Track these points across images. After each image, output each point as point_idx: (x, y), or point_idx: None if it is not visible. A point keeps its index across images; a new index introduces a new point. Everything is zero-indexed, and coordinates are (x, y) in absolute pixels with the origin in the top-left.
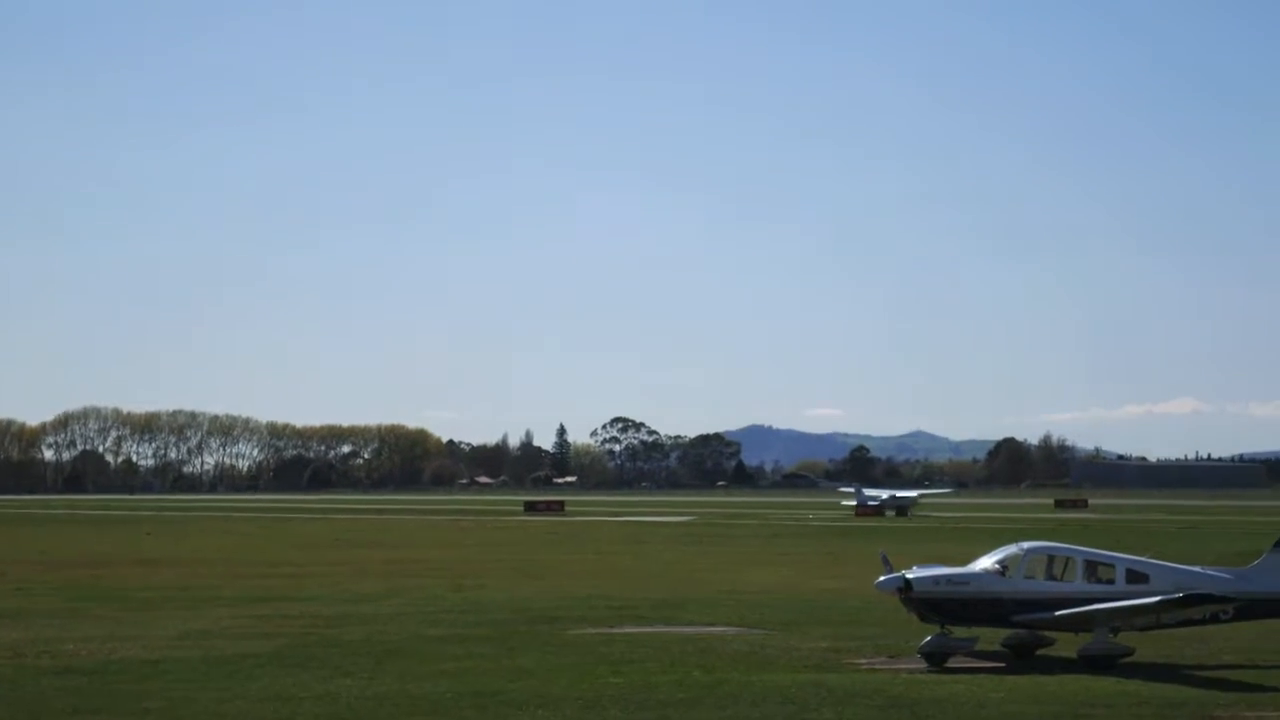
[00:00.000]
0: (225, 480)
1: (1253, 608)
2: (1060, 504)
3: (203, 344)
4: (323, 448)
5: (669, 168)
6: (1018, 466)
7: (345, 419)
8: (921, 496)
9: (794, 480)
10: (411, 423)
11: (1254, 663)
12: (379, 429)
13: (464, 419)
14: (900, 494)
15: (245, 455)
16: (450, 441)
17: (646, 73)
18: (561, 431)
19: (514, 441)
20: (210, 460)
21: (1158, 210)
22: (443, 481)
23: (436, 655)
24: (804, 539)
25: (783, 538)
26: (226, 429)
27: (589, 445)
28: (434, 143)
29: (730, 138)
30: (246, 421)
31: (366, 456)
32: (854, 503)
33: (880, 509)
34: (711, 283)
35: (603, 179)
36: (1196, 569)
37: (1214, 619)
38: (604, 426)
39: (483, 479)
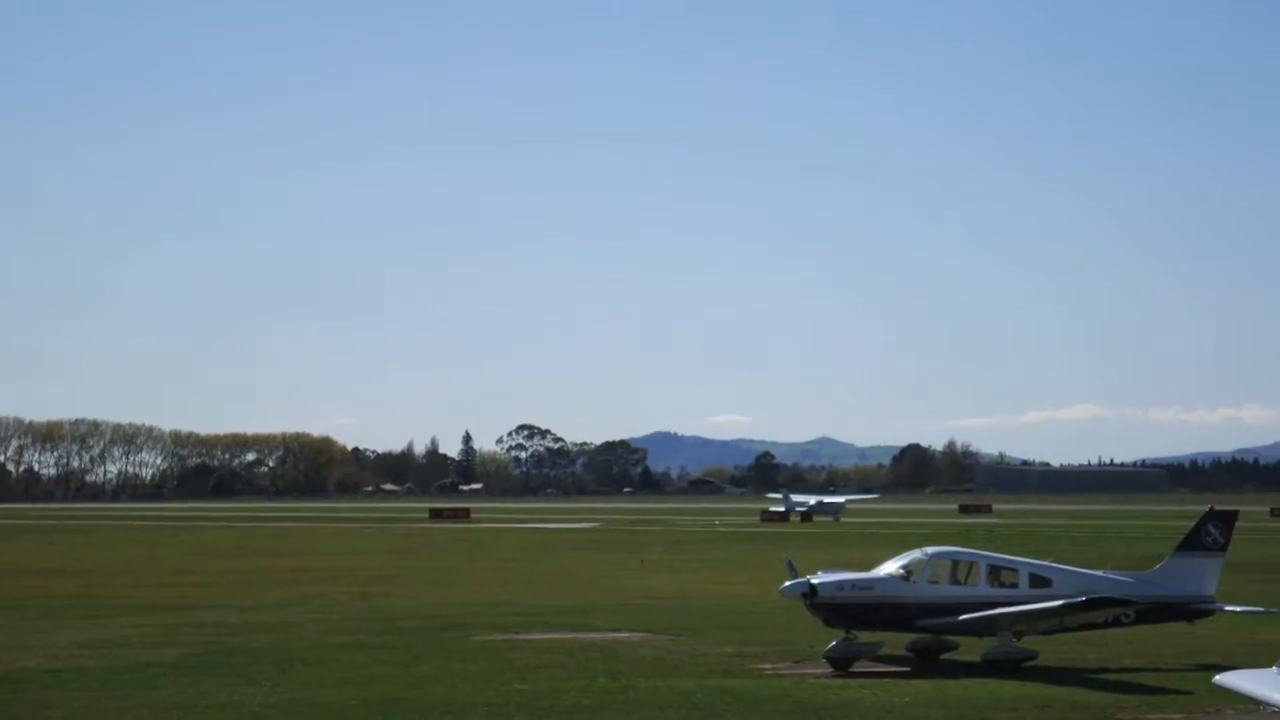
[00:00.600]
0: (128, 489)
1: (1154, 611)
2: (965, 509)
3: (105, 352)
4: (227, 456)
5: (574, 172)
6: (922, 472)
7: (250, 427)
8: (849, 502)
9: (700, 486)
10: (316, 430)
11: (1155, 665)
12: (284, 437)
13: (369, 426)
14: (828, 499)
15: (149, 464)
16: (355, 449)
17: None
18: (467, 439)
19: (419, 449)
20: (113, 469)
21: (1069, 213)
22: (348, 489)
23: (341, 663)
24: (710, 545)
25: (688, 544)
26: (129, 438)
27: (495, 452)
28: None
29: (637, 137)
30: (150, 430)
31: (271, 465)
32: (784, 508)
33: (809, 514)
34: (618, 290)
35: (510, 188)
36: (1099, 573)
37: (1116, 622)
38: (510, 434)
39: (388, 486)
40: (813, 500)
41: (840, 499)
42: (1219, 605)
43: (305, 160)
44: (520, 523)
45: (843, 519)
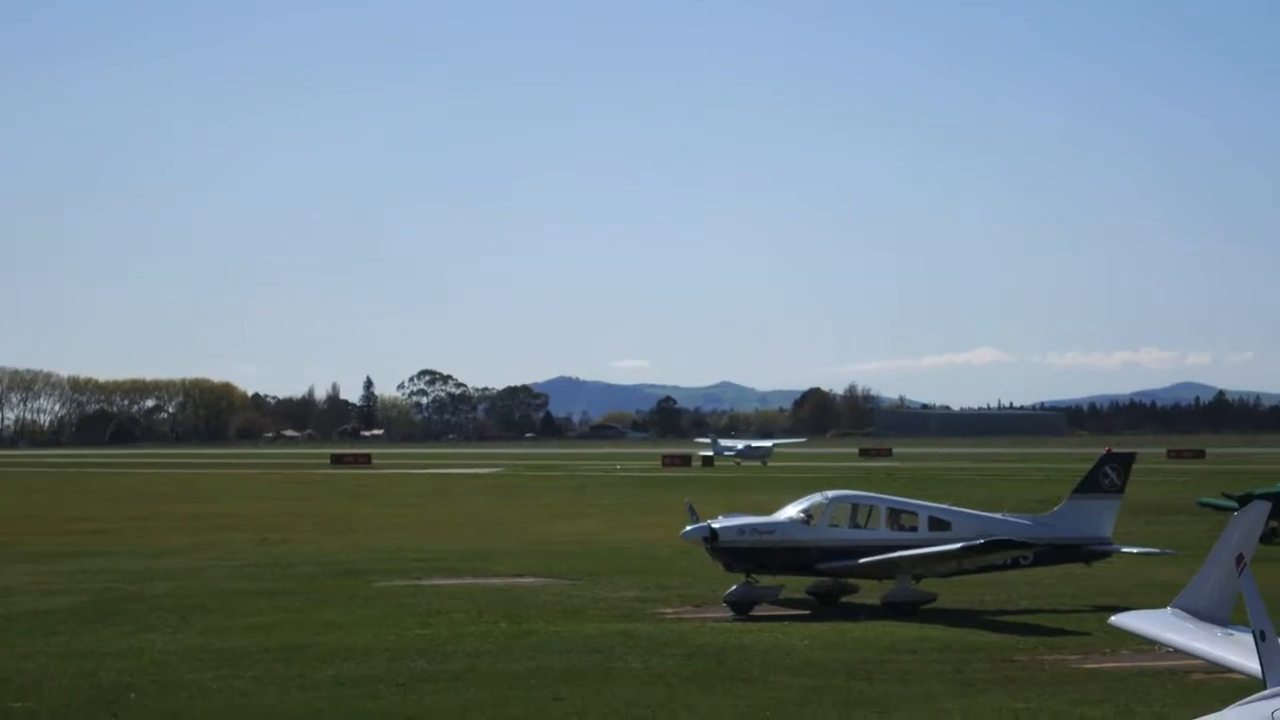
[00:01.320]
0: (26, 436)
1: (1052, 553)
2: (865, 453)
3: (2, 298)
4: (126, 402)
5: (473, 118)
6: (823, 416)
7: (149, 373)
8: (776, 445)
9: (602, 432)
10: (217, 376)
11: (1053, 607)
12: (184, 383)
13: (270, 373)
14: (756, 444)
15: (46, 410)
16: (256, 395)
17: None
18: (368, 384)
19: (320, 395)
20: (10, 415)
21: (964, 161)
22: (249, 435)
23: (242, 609)
24: (612, 490)
25: (589, 489)
26: (27, 383)
27: (396, 398)
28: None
29: (538, 81)
30: (47, 376)
31: (171, 411)
32: (712, 453)
33: (738, 458)
34: (521, 233)
35: (411, 137)
36: (997, 516)
37: (1014, 564)
38: (411, 379)
39: (289, 433)
40: (741, 445)
41: (768, 443)
42: (1116, 546)
43: (218, 107)
44: (422, 468)
45: (769, 463)
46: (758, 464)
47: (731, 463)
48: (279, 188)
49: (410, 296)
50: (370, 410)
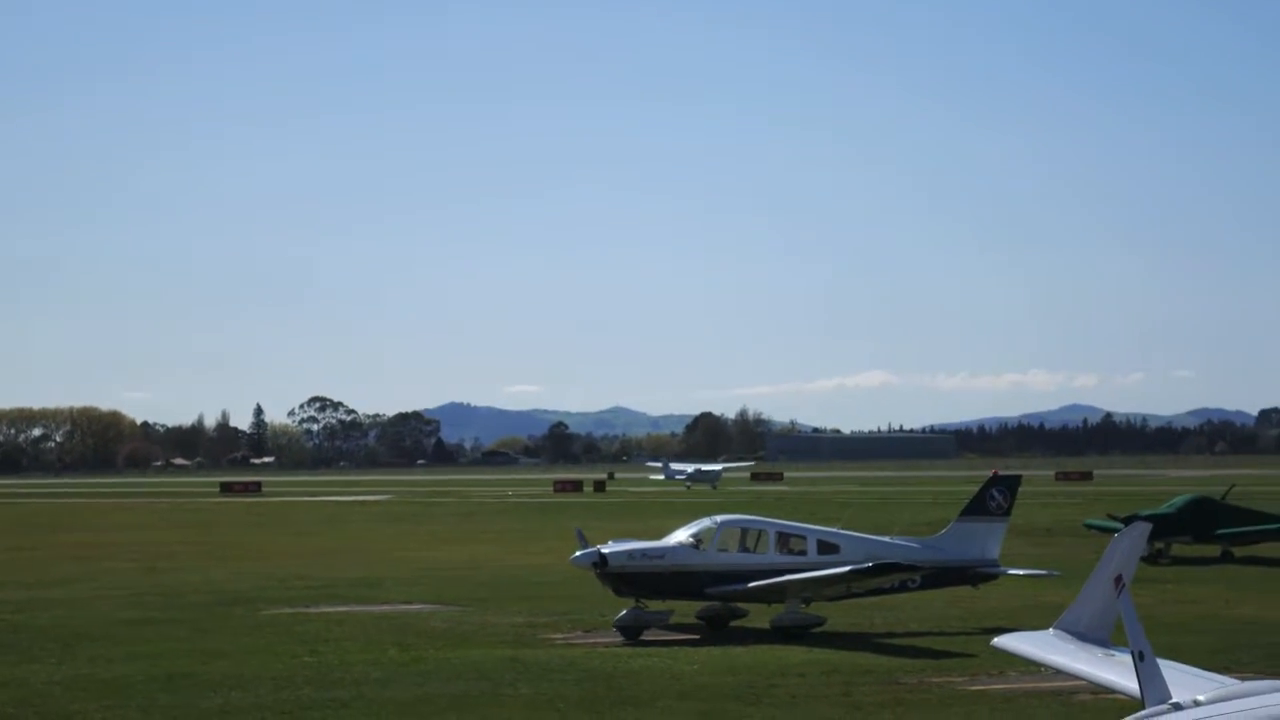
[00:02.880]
0: None
1: (939, 576)
2: (756, 477)
3: None
4: (12, 431)
5: (351, 146)
6: (715, 440)
7: (35, 401)
8: (724, 470)
9: (494, 458)
10: (105, 405)
11: (941, 629)
12: (71, 411)
13: (159, 401)
14: (705, 468)
15: None
16: (145, 423)
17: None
18: (258, 411)
19: (210, 422)
20: None
21: (854, 185)
22: (138, 464)
23: (128, 639)
24: (503, 517)
25: (481, 515)
26: None
27: (287, 425)
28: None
29: (419, 108)
30: None
31: (59, 439)
32: (663, 477)
33: (689, 481)
34: (411, 259)
35: (292, 163)
36: (885, 539)
37: (903, 587)
38: (301, 406)
39: (179, 461)
40: (690, 469)
41: (717, 467)
42: (1003, 569)
43: (103, 136)
44: (312, 496)
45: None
46: (707, 487)
47: (683, 486)
48: (165, 216)
49: (300, 323)
50: (260, 438)
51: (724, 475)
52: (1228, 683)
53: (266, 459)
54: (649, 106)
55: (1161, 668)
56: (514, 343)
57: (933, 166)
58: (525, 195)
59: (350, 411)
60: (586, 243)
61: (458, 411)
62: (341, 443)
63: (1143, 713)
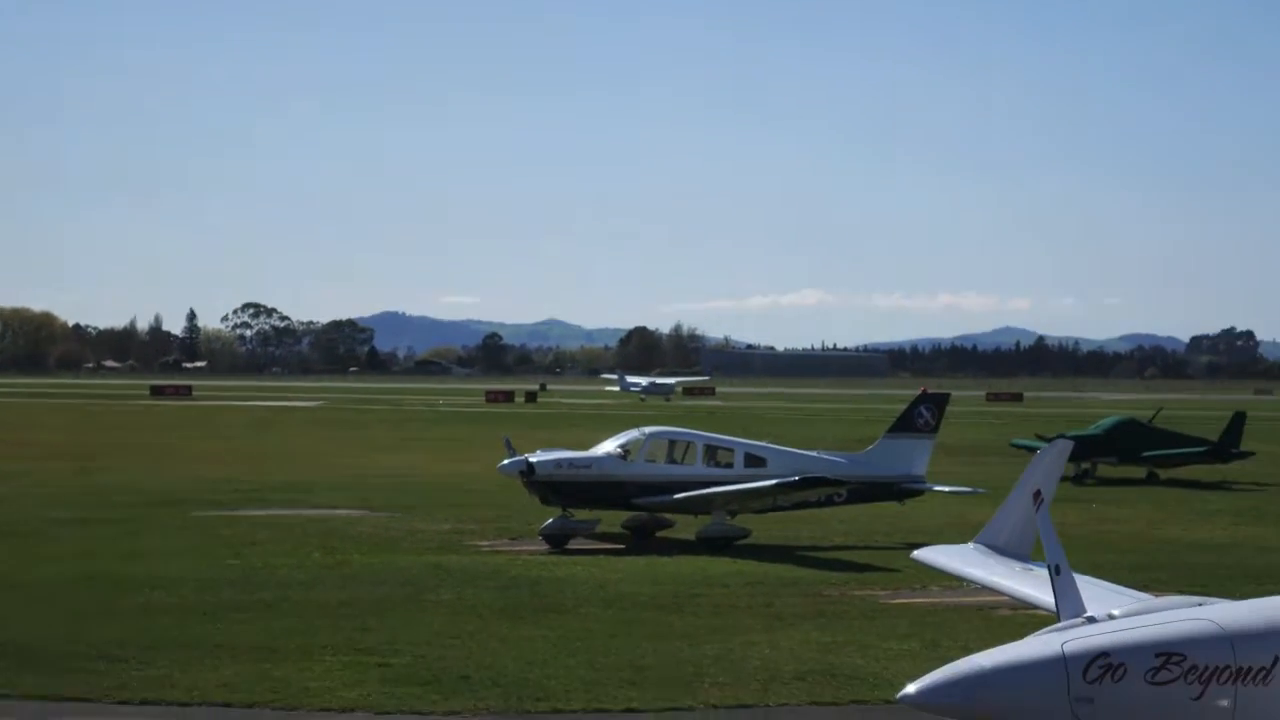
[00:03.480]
0: None
1: (865, 490)
2: (689, 392)
3: None
4: None
5: (300, 50)
6: (649, 355)
7: None
8: (679, 384)
9: (427, 367)
10: (37, 305)
11: (866, 544)
12: (2, 312)
13: (91, 302)
14: (659, 381)
15: None
16: (77, 325)
17: None
18: (191, 316)
19: (143, 326)
20: None
21: (795, 103)
22: (69, 366)
23: (55, 538)
24: (434, 425)
25: (412, 423)
26: None
27: (220, 330)
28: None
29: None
30: None
31: None
32: (619, 388)
33: (647, 392)
34: (349, 166)
35: (236, 63)
36: (813, 453)
37: (829, 501)
38: (235, 311)
39: (110, 363)
40: (645, 381)
41: (671, 380)
42: (929, 485)
43: (46, 33)
44: (243, 401)
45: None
46: (661, 399)
47: (638, 398)
48: (100, 120)
49: (235, 228)
50: (193, 342)
51: (677, 389)
52: (1143, 598)
53: (199, 364)
54: (593, 17)
55: (1079, 583)
56: (450, 253)
57: (872, 92)
58: (465, 106)
59: (284, 318)
60: (525, 156)
61: (392, 320)
62: (275, 349)
63: (1057, 625)
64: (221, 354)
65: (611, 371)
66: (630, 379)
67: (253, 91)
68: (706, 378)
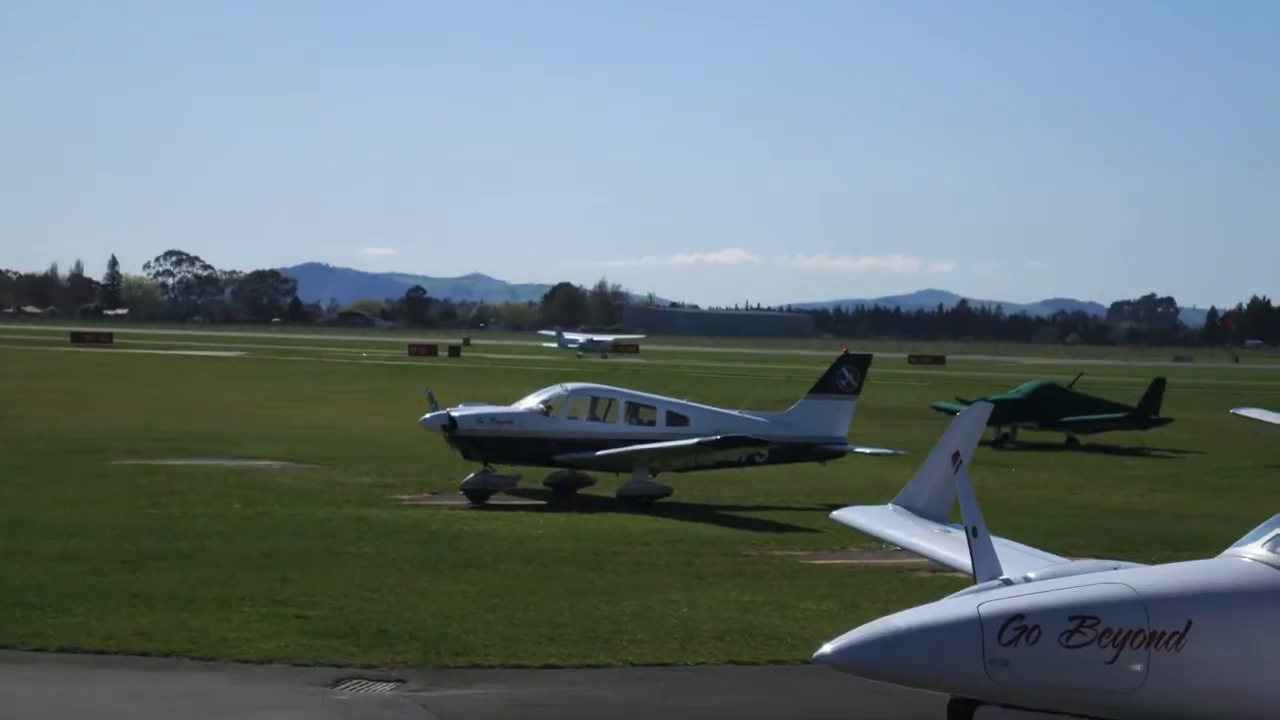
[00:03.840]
0: None
1: (787, 451)
2: (616, 349)
3: None
4: None
5: None
6: (573, 311)
7: None
8: (617, 341)
9: (350, 319)
10: None
11: (785, 504)
12: None
13: (9, 246)
14: (597, 338)
15: None
16: None
17: None
18: (113, 263)
19: (64, 272)
20: None
21: (721, 61)
22: None
23: None
24: (357, 378)
25: (334, 375)
26: None
27: (142, 278)
28: None
29: None
30: None
31: None
32: (556, 344)
33: (584, 348)
34: (275, 115)
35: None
36: (734, 412)
37: (750, 461)
38: (157, 259)
39: (29, 309)
40: (583, 338)
41: (608, 337)
42: (850, 446)
43: None
44: (165, 349)
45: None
46: (598, 356)
47: (573, 354)
48: (25, 63)
49: (158, 175)
50: (115, 289)
51: (614, 345)
52: (1059, 562)
53: (120, 311)
54: None
55: (996, 545)
56: (373, 205)
57: (802, 50)
58: (392, 58)
59: (207, 267)
60: (452, 109)
61: (315, 272)
62: (197, 298)
63: (974, 588)
64: (143, 302)
65: (546, 328)
66: (568, 335)
67: (183, 37)
68: (640, 335)
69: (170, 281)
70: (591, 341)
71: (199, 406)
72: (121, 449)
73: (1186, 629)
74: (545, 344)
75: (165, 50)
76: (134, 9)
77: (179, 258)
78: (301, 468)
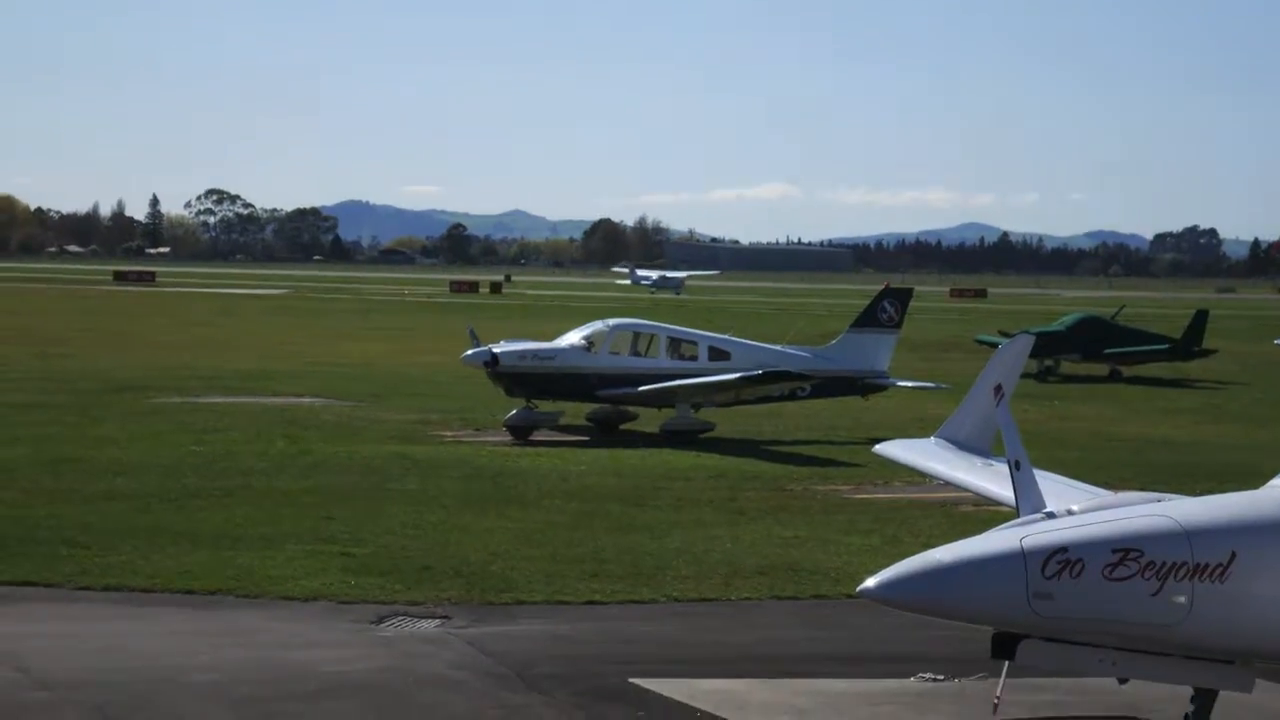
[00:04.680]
0: None
1: (829, 385)
2: (635, 284)
3: None
4: None
5: None
6: (614, 247)
7: None
8: (689, 277)
9: (391, 256)
10: None
11: (829, 439)
12: None
13: (51, 186)
14: (670, 274)
15: None
16: (39, 209)
17: None
18: (154, 202)
19: (105, 211)
20: None
21: (747, 5)
22: (31, 250)
23: (16, 422)
24: (399, 315)
25: (377, 313)
26: None
27: (183, 216)
28: None
29: None
30: None
31: None
32: (629, 281)
33: (657, 285)
34: (312, 53)
35: None
36: (777, 347)
37: (792, 396)
38: (198, 198)
39: (72, 248)
40: (655, 275)
41: (682, 274)
42: (892, 380)
43: None
44: (207, 288)
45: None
46: (671, 293)
47: (647, 291)
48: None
49: (199, 114)
50: (156, 228)
51: (686, 283)
52: (1102, 494)
53: (162, 250)
54: None
55: (1039, 478)
56: (414, 142)
57: None
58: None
59: (248, 205)
60: (489, 47)
61: (356, 210)
62: (239, 236)
63: (1016, 520)
64: (185, 240)
65: (587, 264)
66: (640, 272)
67: None
68: (715, 271)
69: (212, 220)
70: (665, 278)
71: (241, 344)
72: (165, 387)
73: (1230, 560)
74: (618, 281)
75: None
76: None
77: (220, 196)
78: (344, 405)
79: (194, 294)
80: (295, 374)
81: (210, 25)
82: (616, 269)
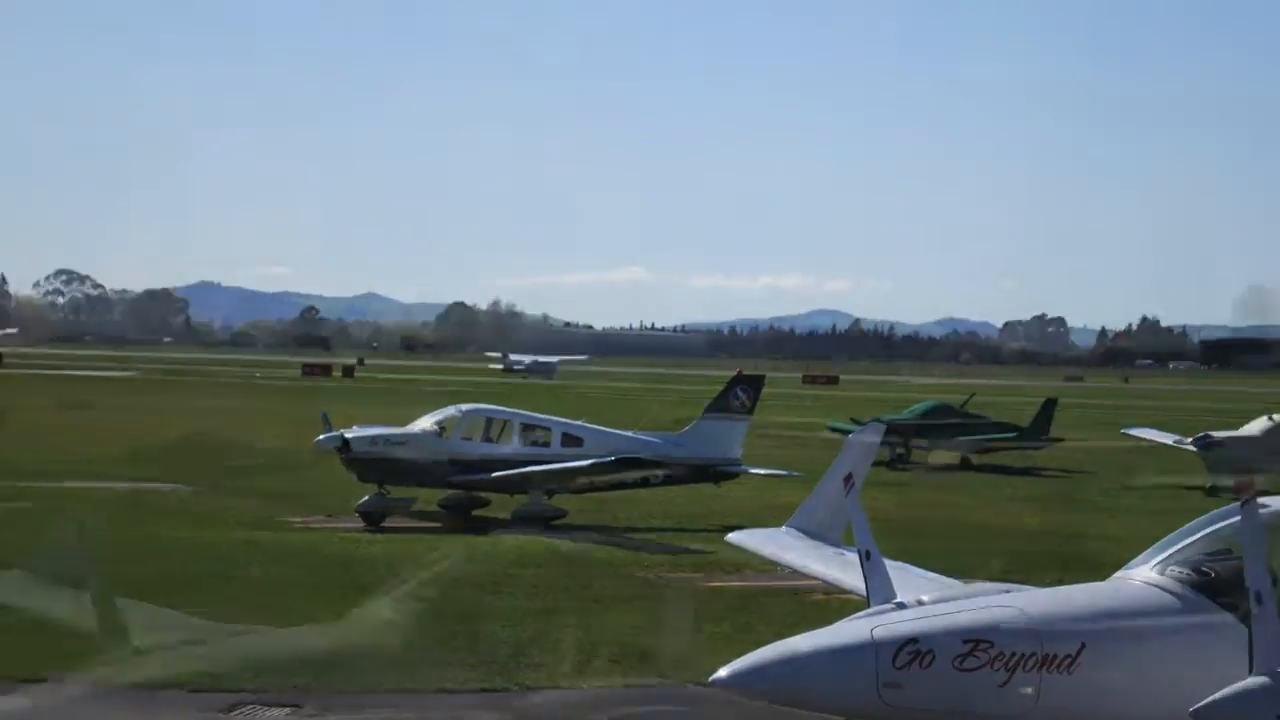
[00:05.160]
0: None
1: (682, 472)
2: (508, 370)
3: None
4: None
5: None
6: (468, 331)
7: None
8: (561, 362)
9: (242, 339)
10: None
11: (681, 526)
12: None
13: None
14: (543, 359)
15: None
16: None
17: None
18: (2, 281)
19: None
20: None
21: (613, 83)
22: None
23: None
24: (250, 397)
25: (229, 395)
26: None
27: (32, 296)
28: None
29: None
30: None
31: None
32: (502, 365)
33: (530, 370)
34: (166, 131)
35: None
36: (629, 433)
37: (645, 482)
38: (48, 278)
39: None
40: (528, 360)
41: (554, 359)
42: (744, 467)
43: None
44: (56, 369)
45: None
46: (542, 377)
47: (519, 376)
48: None
49: (48, 191)
50: (4, 308)
51: (559, 368)
52: (952, 585)
53: (10, 330)
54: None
55: (889, 568)
56: (266, 222)
57: (692, 67)
58: (288, 75)
59: (98, 285)
60: (344, 123)
61: (207, 291)
62: (88, 317)
63: (867, 611)
64: (34, 321)
65: (439, 348)
66: (514, 356)
67: (68, 48)
68: (585, 357)
69: (60, 300)
70: (538, 363)
71: (88, 427)
72: (6, 471)
73: (1079, 652)
74: (491, 365)
75: (47, 57)
76: (27, 18)
77: (69, 276)
78: (191, 490)
79: (43, 376)
80: (142, 458)
81: (55, 102)
82: (489, 354)
